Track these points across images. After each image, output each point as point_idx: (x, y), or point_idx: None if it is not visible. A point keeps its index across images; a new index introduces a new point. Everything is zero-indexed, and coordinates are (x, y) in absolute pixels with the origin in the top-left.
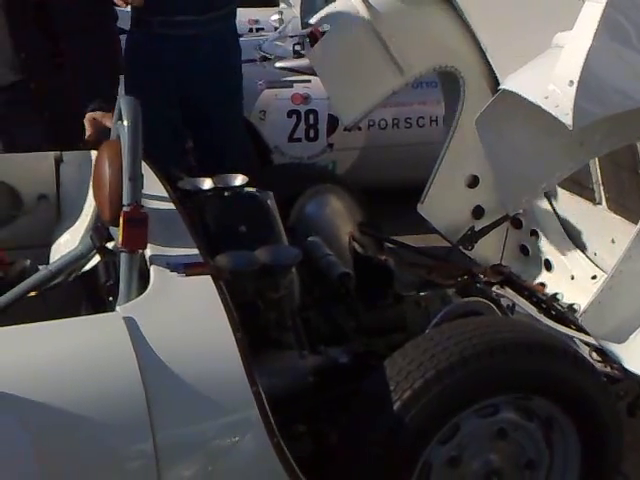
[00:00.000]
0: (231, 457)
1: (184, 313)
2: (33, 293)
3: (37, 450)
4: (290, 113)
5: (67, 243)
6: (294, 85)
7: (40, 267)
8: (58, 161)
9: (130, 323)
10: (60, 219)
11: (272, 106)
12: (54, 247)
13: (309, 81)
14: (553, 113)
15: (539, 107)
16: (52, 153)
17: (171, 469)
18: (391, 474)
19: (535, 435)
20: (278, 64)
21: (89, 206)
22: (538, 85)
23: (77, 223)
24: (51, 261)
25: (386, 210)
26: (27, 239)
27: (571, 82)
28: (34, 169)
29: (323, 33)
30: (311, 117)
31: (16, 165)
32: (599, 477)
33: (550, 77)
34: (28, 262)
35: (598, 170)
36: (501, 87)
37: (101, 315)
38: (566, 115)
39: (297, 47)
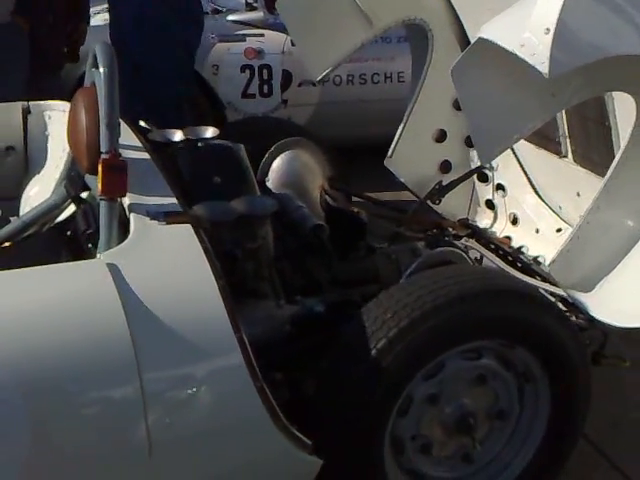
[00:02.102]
0: (216, 400)
1: (167, 260)
2: (7, 244)
3: (24, 395)
4: (243, 68)
5: (37, 195)
6: (247, 39)
7: (11, 219)
8: (25, 112)
9: (113, 269)
10: (28, 171)
11: (225, 61)
12: (23, 199)
13: (262, 35)
14: (529, 61)
15: (514, 57)
16: (19, 103)
17: (157, 411)
18: (376, 404)
19: (510, 386)
20: (230, 17)
21: (59, 157)
22: (514, 33)
23: (47, 174)
24: (21, 213)
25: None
26: None
27: (547, 30)
28: (1, 120)
29: None
30: (265, 72)
31: None
32: (563, 435)
33: (526, 25)
34: None
35: (565, 122)
36: (477, 35)
37: (84, 262)
38: (542, 64)
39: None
